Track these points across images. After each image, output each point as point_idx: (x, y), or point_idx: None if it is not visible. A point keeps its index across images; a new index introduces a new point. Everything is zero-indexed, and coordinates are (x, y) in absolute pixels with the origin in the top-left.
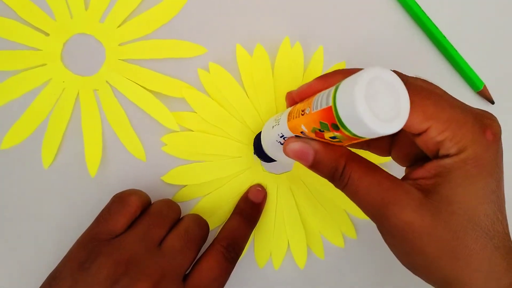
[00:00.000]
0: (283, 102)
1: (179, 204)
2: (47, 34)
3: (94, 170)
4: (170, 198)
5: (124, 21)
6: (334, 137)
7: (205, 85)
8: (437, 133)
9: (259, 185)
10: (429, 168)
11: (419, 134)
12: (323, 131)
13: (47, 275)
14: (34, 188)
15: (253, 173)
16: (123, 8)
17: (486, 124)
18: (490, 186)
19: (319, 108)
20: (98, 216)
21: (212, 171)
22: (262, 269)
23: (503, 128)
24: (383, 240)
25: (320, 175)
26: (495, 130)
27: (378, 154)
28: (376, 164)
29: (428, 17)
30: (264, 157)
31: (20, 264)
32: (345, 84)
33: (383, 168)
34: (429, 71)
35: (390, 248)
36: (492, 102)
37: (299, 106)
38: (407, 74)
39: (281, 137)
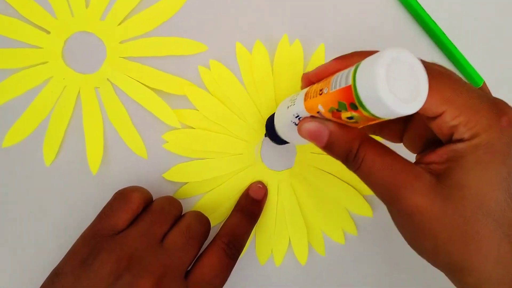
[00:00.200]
0: (282, 98)
1: (180, 201)
2: (48, 32)
3: (95, 167)
4: (172, 195)
5: (125, 19)
6: (351, 118)
7: (205, 83)
8: (452, 117)
9: (260, 182)
10: (441, 153)
11: (434, 118)
12: (341, 111)
13: (49, 272)
14: (36, 186)
15: (254, 170)
16: (123, 5)
17: (502, 111)
18: (501, 173)
19: (337, 88)
20: (100, 213)
21: (213, 169)
22: (264, 266)
23: None
24: (383, 237)
25: (333, 157)
26: (511, 118)
27: (389, 140)
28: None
29: (427, 14)
30: (276, 139)
31: (22, 261)
32: (366, 63)
33: None
34: None
35: (399, 230)
36: None
37: (317, 86)
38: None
39: (296, 117)
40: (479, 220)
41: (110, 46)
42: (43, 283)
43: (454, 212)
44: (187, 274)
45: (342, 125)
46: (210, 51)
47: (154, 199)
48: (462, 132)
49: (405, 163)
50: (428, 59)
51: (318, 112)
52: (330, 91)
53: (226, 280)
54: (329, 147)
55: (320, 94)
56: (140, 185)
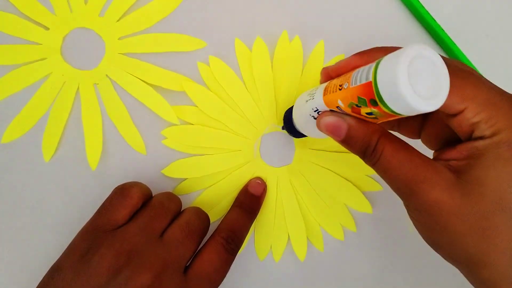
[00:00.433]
0: (282, 95)
1: (179, 197)
2: (47, 28)
3: (94, 163)
4: (171, 191)
5: (124, 15)
6: (370, 113)
7: (205, 79)
8: (473, 114)
9: (259, 178)
10: (461, 150)
11: (454, 115)
12: (360, 107)
13: (49, 268)
14: (35, 182)
15: (253, 166)
16: (122, 2)
17: None
18: None
19: (358, 83)
20: (99, 208)
21: (212, 165)
22: (263, 261)
23: None
24: (382, 233)
25: (352, 151)
26: None
27: (407, 136)
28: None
29: (427, 11)
30: (294, 132)
31: (21, 256)
32: (387, 60)
33: None
34: None
35: (415, 224)
36: None
37: (336, 81)
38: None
39: (315, 111)
40: (497, 215)
41: (109, 42)
42: (43, 278)
43: (473, 207)
44: (186, 269)
45: (360, 120)
46: (209, 47)
47: (153, 195)
48: (483, 129)
49: (424, 159)
50: None
51: (337, 107)
52: (350, 87)
53: (225, 275)
54: (347, 141)
55: (340, 89)
56: (139, 181)
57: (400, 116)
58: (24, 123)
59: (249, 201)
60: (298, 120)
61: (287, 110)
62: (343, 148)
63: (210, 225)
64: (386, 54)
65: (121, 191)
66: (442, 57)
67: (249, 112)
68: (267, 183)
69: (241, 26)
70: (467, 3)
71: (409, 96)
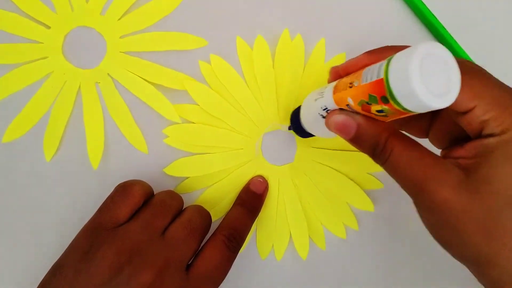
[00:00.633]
0: (284, 93)
1: (181, 195)
2: (48, 27)
3: (96, 162)
4: (172, 189)
5: (125, 14)
6: (381, 111)
7: (206, 77)
8: (482, 112)
9: (261, 176)
10: (470, 148)
11: (464, 113)
12: (371, 104)
13: (50, 266)
14: (37, 181)
15: (255, 165)
16: (123, 0)
17: None
18: None
19: (368, 81)
20: (101, 206)
21: (214, 163)
22: (265, 260)
23: None
24: (384, 231)
25: (361, 150)
26: None
27: (415, 135)
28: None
29: (429, 9)
30: (301, 131)
31: (23, 255)
32: (399, 57)
33: None
34: None
35: (424, 223)
36: None
37: (346, 79)
38: None
39: (324, 109)
40: (506, 214)
41: (110, 41)
42: (45, 276)
43: (482, 205)
44: (188, 267)
45: (370, 118)
46: (211, 45)
47: (155, 193)
48: (493, 127)
49: (433, 157)
50: None
51: (347, 105)
52: (361, 84)
53: (227, 273)
54: (357, 140)
55: (350, 87)
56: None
57: (410, 114)
58: (25, 122)
59: (251, 200)
60: (306, 119)
61: (294, 110)
62: (345, 146)
63: (212, 224)
64: (396, 52)
65: (123, 189)
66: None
67: (251, 111)
68: (269, 182)
69: (242, 24)
70: (469, 2)
71: (421, 93)
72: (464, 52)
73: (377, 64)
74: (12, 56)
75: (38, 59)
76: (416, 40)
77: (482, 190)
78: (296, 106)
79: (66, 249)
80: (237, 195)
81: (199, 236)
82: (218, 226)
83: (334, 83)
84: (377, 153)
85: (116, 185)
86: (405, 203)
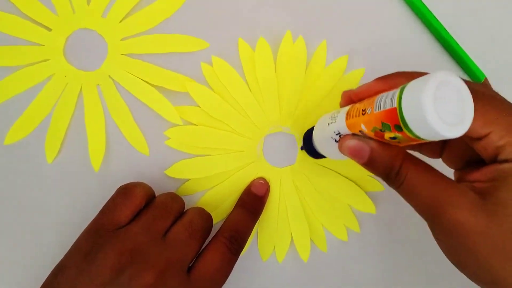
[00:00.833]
0: (285, 95)
1: (182, 198)
2: (49, 29)
3: (97, 164)
4: (174, 191)
5: (126, 16)
6: (394, 138)
7: (208, 79)
8: (498, 138)
9: (262, 178)
10: (486, 172)
11: (479, 139)
12: (384, 131)
13: (53, 267)
14: (38, 183)
15: (256, 167)
16: (125, 3)
17: None
18: None
19: (381, 109)
20: (103, 208)
21: (216, 165)
22: (266, 262)
23: None
24: (386, 234)
25: (375, 174)
26: None
27: (429, 156)
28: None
29: (429, 10)
30: (314, 153)
31: (25, 257)
32: (413, 86)
33: None
34: (430, 64)
35: (440, 245)
36: None
37: (359, 105)
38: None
39: (337, 134)
40: None
41: (111, 43)
42: (47, 277)
43: (499, 228)
44: (190, 269)
45: (383, 143)
46: (212, 48)
47: (156, 195)
48: (509, 152)
49: (448, 181)
50: (430, 55)
51: (360, 131)
52: (374, 112)
53: (228, 275)
54: (371, 164)
55: (363, 114)
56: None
57: (424, 141)
58: (27, 124)
59: (252, 202)
60: (319, 142)
61: (306, 131)
62: None
63: (214, 226)
64: (408, 79)
65: (124, 191)
66: (466, 82)
67: (252, 113)
68: (270, 184)
69: (244, 26)
70: (470, 4)
71: (435, 123)
72: (466, 54)
73: (390, 92)
74: (13, 59)
75: (39, 62)
76: (417, 41)
77: (498, 213)
78: (298, 110)
79: (68, 250)
80: (239, 197)
81: (200, 238)
82: (220, 228)
83: (346, 109)
84: (392, 177)
85: (117, 187)
86: (407, 206)
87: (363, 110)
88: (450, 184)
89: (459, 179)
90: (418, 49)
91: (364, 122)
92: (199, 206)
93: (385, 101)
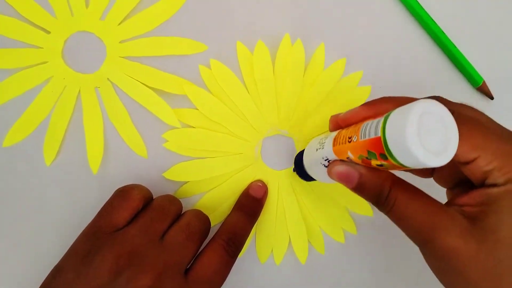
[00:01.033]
0: (283, 98)
1: (181, 200)
2: (48, 32)
3: (96, 167)
4: (172, 194)
5: (125, 19)
6: (381, 165)
7: (206, 82)
8: (485, 163)
9: (260, 181)
10: (475, 196)
11: (467, 163)
12: (370, 159)
13: (50, 269)
14: (37, 185)
15: (254, 169)
16: (123, 5)
17: None
18: None
19: (367, 138)
20: (100, 210)
21: (214, 168)
22: (264, 264)
23: (502, 123)
24: (383, 236)
25: (364, 198)
26: None
27: (420, 176)
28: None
29: (427, 13)
30: (305, 176)
31: (23, 259)
32: (396, 116)
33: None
34: (428, 67)
35: (432, 270)
36: (491, 98)
37: (345, 132)
38: (452, 101)
39: (325, 160)
40: None
41: (110, 45)
42: (44, 280)
43: (488, 254)
44: (187, 271)
45: (372, 168)
46: (211, 50)
47: (154, 197)
48: (496, 177)
49: (437, 205)
50: (428, 58)
51: (347, 158)
52: (360, 140)
53: (225, 277)
54: (360, 189)
55: (349, 142)
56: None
57: (411, 168)
58: (25, 126)
59: (250, 204)
60: (309, 166)
61: (297, 154)
62: None
63: (212, 228)
64: (394, 105)
65: (122, 193)
66: (451, 104)
67: (251, 115)
68: (268, 186)
69: (242, 29)
70: (466, 5)
71: (418, 152)
72: (464, 58)
73: (375, 121)
74: (12, 61)
75: (38, 64)
76: (415, 45)
77: (488, 238)
78: (296, 112)
79: (66, 252)
80: (237, 199)
81: (197, 240)
82: (218, 230)
83: (333, 134)
84: (381, 202)
85: (115, 189)
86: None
87: (349, 138)
88: (439, 208)
89: (449, 204)
90: (416, 53)
91: (351, 149)
92: (197, 208)
93: (370, 129)
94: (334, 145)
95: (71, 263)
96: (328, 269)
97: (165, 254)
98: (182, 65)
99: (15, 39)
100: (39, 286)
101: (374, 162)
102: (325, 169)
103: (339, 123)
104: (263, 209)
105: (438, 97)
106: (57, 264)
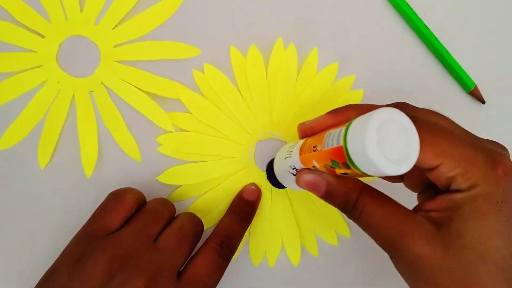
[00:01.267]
0: (276, 102)
1: (174, 204)
2: (42, 36)
3: (90, 170)
4: (165, 197)
5: (119, 23)
6: (345, 173)
7: (200, 86)
8: (448, 169)
9: (254, 184)
10: (440, 201)
11: (431, 169)
12: (334, 168)
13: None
14: (30, 189)
15: (248, 173)
16: (118, 9)
17: (497, 161)
18: (500, 222)
19: (330, 147)
20: (94, 213)
21: (207, 171)
22: (257, 267)
23: (494, 128)
24: None
25: (333, 206)
26: (506, 166)
27: (390, 181)
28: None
29: (420, 18)
30: (276, 183)
31: (16, 263)
32: (356, 125)
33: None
34: (420, 72)
35: (402, 277)
36: (483, 102)
37: (311, 141)
38: (418, 107)
39: (293, 168)
40: (479, 267)
41: (104, 50)
42: (37, 283)
43: (455, 260)
44: (180, 274)
45: (339, 176)
46: (204, 55)
47: (147, 201)
48: (460, 183)
49: (404, 212)
50: (420, 63)
51: (313, 166)
52: (323, 149)
53: (218, 280)
54: (328, 197)
55: (314, 151)
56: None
57: (375, 177)
58: (19, 130)
59: (244, 207)
60: (279, 175)
61: (269, 162)
62: None
63: (206, 231)
64: (358, 113)
65: (115, 196)
66: (415, 111)
67: (244, 119)
68: (261, 189)
69: (236, 34)
70: (458, 9)
71: (378, 161)
72: (456, 62)
73: (338, 130)
74: (6, 65)
75: (32, 68)
76: (408, 49)
77: (454, 244)
78: (289, 116)
79: (59, 255)
80: (230, 203)
81: (190, 243)
82: (211, 233)
83: (300, 143)
84: (349, 210)
85: (109, 193)
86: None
87: (314, 147)
88: (406, 215)
89: (417, 209)
90: (408, 57)
91: (315, 159)
92: (190, 211)
93: (333, 138)
94: (300, 153)
95: (64, 266)
96: (322, 271)
97: (158, 257)
98: (176, 69)
99: (9, 43)
100: None
101: (338, 171)
102: (294, 177)
103: (306, 132)
104: (256, 212)
105: (403, 103)
106: (51, 267)
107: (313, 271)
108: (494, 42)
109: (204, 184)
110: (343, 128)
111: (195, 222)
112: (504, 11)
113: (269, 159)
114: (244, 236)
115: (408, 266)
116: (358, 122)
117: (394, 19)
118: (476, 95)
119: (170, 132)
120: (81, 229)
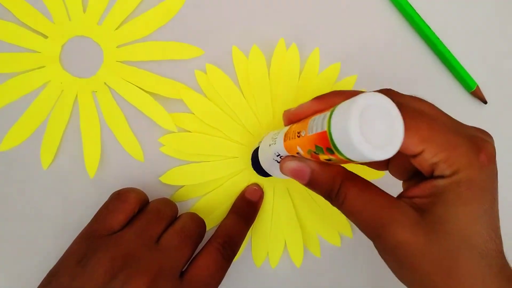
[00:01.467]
0: (279, 102)
1: (177, 204)
2: (45, 37)
3: (92, 171)
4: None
5: (122, 24)
6: (329, 159)
7: (202, 86)
8: (431, 155)
9: (256, 184)
10: (424, 188)
11: (414, 156)
12: (318, 154)
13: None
14: (33, 189)
15: (250, 173)
16: (120, 10)
17: (480, 147)
18: (483, 207)
19: (314, 132)
20: (96, 213)
21: (210, 172)
22: (259, 268)
23: (496, 128)
24: None
25: (317, 193)
26: (489, 152)
27: (375, 169)
28: (371, 181)
29: (421, 18)
30: (261, 171)
31: (19, 263)
32: (340, 110)
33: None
34: (422, 72)
35: (386, 263)
36: (485, 102)
37: (295, 127)
38: (403, 93)
39: (277, 156)
40: (462, 253)
41: (107, 50)
42: (40, 283)
43: (438, 246)
44: (182, 274)
45: (323, 163)
46: (207, 55)
47: (150, 201)
48: (443, 169)
49: (387, 199)
50: (422, 63)
51: (297, 153)
52: (308, 135)
53: (220, 281)
54: (312, 185)
55: (298, 137)
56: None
57: (358, 163)
58: (22, 131)
59: (246, 208)
60: (263, 162)
61: (254, 150)
62: None
63: (208, 232)
64: (343, 99)
65: (118, 196)
66: (400, 97)
67: (246, 119)
68: (264, 190)
69: (238, 34)
70: (460, 9)
71: (361, 146)
72: (458, 62)
73: (322, 115)
74: (9, 65)
75: (35, 69)
76: (410, 49)
77: (437, 230)
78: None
79: (62, 256)
80: (233, 203)
81: (192, 243)
82: (213, 234)
83: (285, 130)
84: (332, 197)
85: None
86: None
87: (298, 133)
88: (389, 202)
89: (400, 196)
90: (410, 57)
91: (300, 144)
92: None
93: (317, 124)
94: (284, 140)
95: (67, 266)
96: (324, 272)
97: (161, 257)
98: (178, 69)
99: (12, 43)
100: None
101: (322, 157)
102: (278, 165)
103: (291, 118)
104: (258, 213)
105: (389, 89)
106: (53, 267)
107: (316, 272)
108: (496, 42)
109: (207, 184)
110: (328, 113)
111: (198, 222)
112: (506, 11)
113: None
114: (246, 236)
115: (391, 253)
116: (341, 107)
117: (396, 19)
118: (478, 95)
119: (173, 132)
120: (83, 229)
